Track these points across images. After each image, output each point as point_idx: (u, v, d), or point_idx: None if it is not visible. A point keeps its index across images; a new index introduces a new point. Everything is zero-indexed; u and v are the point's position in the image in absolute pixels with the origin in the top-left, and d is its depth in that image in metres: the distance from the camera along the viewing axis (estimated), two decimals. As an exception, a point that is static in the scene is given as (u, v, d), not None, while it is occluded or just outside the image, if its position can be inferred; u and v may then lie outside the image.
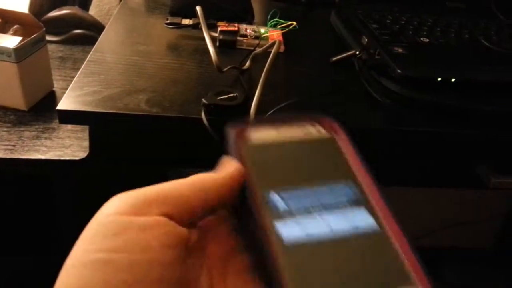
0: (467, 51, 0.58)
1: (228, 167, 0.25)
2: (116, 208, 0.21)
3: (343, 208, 0.25)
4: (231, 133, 0.28)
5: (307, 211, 0.24)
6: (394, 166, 0.54)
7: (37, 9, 0.75)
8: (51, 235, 0.69)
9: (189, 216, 0.22)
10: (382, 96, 0.51)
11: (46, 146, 0.54)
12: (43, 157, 0.53)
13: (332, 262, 0.23)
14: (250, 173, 0.26)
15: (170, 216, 0.21)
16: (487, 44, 0.59)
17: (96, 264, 0.19)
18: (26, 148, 0.54)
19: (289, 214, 0.24)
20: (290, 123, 0.29)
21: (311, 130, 0.29)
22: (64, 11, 0.76)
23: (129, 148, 0.49)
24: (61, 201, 0.63)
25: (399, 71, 0.49)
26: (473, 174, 0.53)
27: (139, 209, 0.21)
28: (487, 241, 1.31)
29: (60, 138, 0.56)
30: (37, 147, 0.54)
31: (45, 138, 0.56)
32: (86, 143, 0.54)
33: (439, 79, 0.49)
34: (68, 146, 0.54)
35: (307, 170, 0.27)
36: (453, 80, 0.49)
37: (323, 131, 0.28)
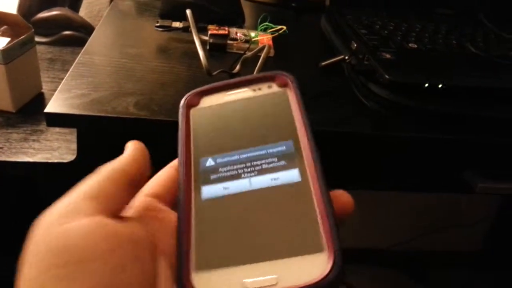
0: (454, 58, 0.59)
1: (129, 148, 0.26)
2: (52, 220, 0.21)
3: (273, 167, 0.24)
4: (182, 100, 0.28)
5: (235, 171, 0.24)
6: (381, 171, 0.55)
7: (26, 10, 0.74)
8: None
9: (120, 208, 0.23)
10: (370, 101, 0.51)
11: (34, 149, 0.54)
12: (30, 159, 0.52)
13: (246, 219, 0.22)
14: (190, 138, 0.27)
15: (106, 215, 0.21)
16: (474, 50, 0.60)
17: (53, 282, 0.19)
18: (13, 151, 0.53)
19: (216, 175, 0.25)
20: (242, 84, 0.29)
21: (263, 88, 0.28)
22: (53, 12, 0.76)
23: (117, 151, 0.48)
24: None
25: (387, 76, 0.49)
26: (460, 179, 0.53)
27: (71, 218, 0.21)
28: (474, 245, 1.32)
29: (48, 140, 0.55)
30: (25, 150, 0.54)
31: (33, 140, 0.55)
32: (74, 146, 0.54)
33: (427, 85, 0.50)
34: (56, 148, 0.54)
35: (249, 129, 0.26)
36: (440, 86, 0.50)
37: (275, 87, 0.28)
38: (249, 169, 0.24)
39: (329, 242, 0.21)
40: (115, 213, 0.22)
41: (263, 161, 0.25)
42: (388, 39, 0.59)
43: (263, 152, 0.25)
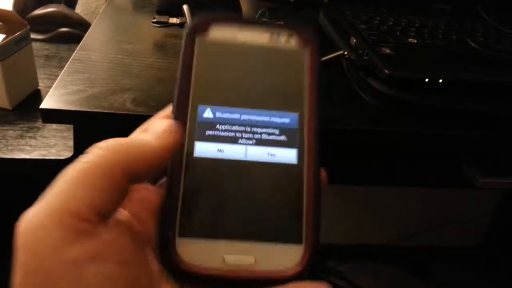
0: (454, 52, 0.58)
1: (163, 135, 0.22)
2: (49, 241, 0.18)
3: (273, 140, 0.23)
4: (190, 25, 0.25)
5: (233, 133, 0.23)
6: (381, 167, 0.54)
7: (21, 6, 0.73)
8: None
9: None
10: (370, 96, 0.51)
11: (30, 146, 0.53)
12: (27, 156, 0.52)
13: (235, 192, 0.22)
14: (191, 73, 0.24)
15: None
16: (474, 45, 0.59)
17: None
18: (10, 148, 0.53)
19: (212, 131, 0.23)
20: (262, 27, 0.25)
21: (282, 39, 0.25)
22: (49, 9, 0.75)
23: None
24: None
25: (386, 71, 0.49)
26: (460, 175, 0.53)
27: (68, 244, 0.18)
28: (474, 240, 1.32)
29: (45, 137, 0.55)
30: (22, 147, 0.53)
31: (30, 137, 0.55)
32: (71, 143, 0.53)
33: (427, 80, 0.49)
34: (53, 145, 0.54)
35: (256, 85, 0.24)
36: (440, 81, 0.50)
37: (294, 42, 0.25)
38: (247, 135, 0.23)
39: (308, 236, 0.22)
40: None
41: (264, 130, 0.24)
42: (387, 34, 0.59)
43: (266, 118, 0.24)
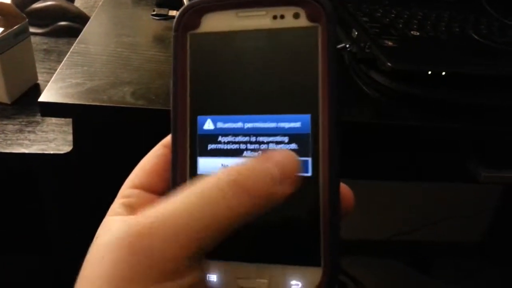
0: (457, 45, 0.57)
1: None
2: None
3: (280, 148, 0.21)
4: (175, 20, 0.21)
5: (237, 145, 0.21)
6: (383, 160, 0.54)
7: (20, 0, 0.73)
8: (37, 230, 0.68)
9: None
10: (372, 89, 0.50)
11: (29, 140, 0.53)
12: (26, 151, 0.51)
13: None
14: (186, 81, 0.21)
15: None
16: (477, 38, 0.59)
17: None
18: (9, 142, 0.52)
19: (214, 145, 0.21)
20: (261, 3, 0.21)
21: (287, 17, 0.21)
22: (48, 3, 0.74)
23: (114, 141, 0.48)
24: (45, 196, 0.62)
25: (389, 64, 0.48)
26: (464, 169, 0.52)
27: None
28: (476, 235, 1.32)
29: (44, 131, 0.54)
30: (21, 141, 0.53)
31: (29, 131, 0.54)
32: (70, 137, 0.53)
33: (430, 72, 0.49)
34: (52, 140, 0.53)
35: (260, 83, 0.21)
36: (443, 73, 0.49)
37: (303, 19, 0.21)
38: (253, 146, 0.21)
39: (327, 258, 0.19)
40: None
41: (271, 139, 0.21)
42: (389, 27, 0.58)
43: (272, 124, 0.21)
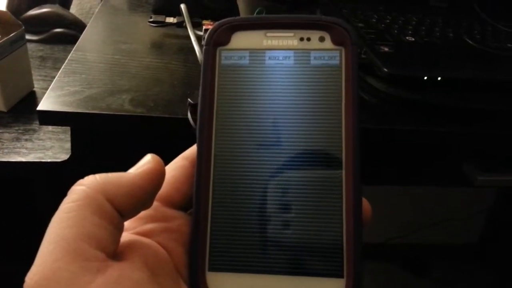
0: (452, 50, 0.58)
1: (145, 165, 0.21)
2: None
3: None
4: (212, 29, 0.22)
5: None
6: (380, 165, 0.54)
7: (15, 7, 0.73)
8: (33, 239, 0.68)
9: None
10: (368, 95, 0.51)
11: (26, 148, 0.53)
12: (23, 159, 0.51)
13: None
14: (214, 101, 0.21)
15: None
16: (471, 43, 0.59)
17: None
18: (5, 151, 0.52)
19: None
20: (288, 26, 0.22)
21: (313, 39, 0.22)
22: (44, 10, 0.74)
23: (112, 149, 0.48)
24: (42, 205, 0.62)
25: (385, 69, 0.49)
26: (459, 172, 0.53)
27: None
28: (472, 238, 1.33)
29: (41, 139, 0.54)
30: (17, 149, 0.52)
31: (26, 140, 0.54)
32: (68, 145, 0.53)
33: (425, 77, 0.49)
34: (49, 148, 0.53)
35: (286, 112, 0.21)
36: (439, 78, 0.49)
37: (328, 42, 0.22)
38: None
39: (349, 269, 0.19)
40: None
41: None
42: (385, 33, 0.59)
43: (298, 162, 0.21)
